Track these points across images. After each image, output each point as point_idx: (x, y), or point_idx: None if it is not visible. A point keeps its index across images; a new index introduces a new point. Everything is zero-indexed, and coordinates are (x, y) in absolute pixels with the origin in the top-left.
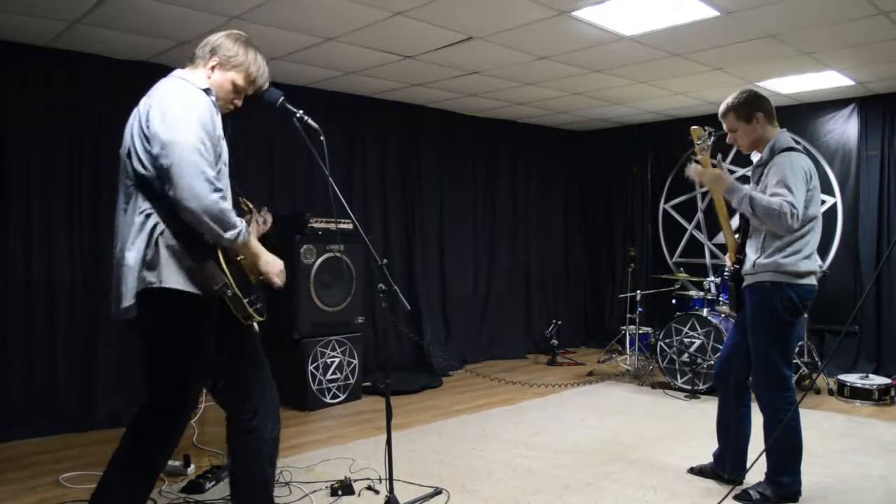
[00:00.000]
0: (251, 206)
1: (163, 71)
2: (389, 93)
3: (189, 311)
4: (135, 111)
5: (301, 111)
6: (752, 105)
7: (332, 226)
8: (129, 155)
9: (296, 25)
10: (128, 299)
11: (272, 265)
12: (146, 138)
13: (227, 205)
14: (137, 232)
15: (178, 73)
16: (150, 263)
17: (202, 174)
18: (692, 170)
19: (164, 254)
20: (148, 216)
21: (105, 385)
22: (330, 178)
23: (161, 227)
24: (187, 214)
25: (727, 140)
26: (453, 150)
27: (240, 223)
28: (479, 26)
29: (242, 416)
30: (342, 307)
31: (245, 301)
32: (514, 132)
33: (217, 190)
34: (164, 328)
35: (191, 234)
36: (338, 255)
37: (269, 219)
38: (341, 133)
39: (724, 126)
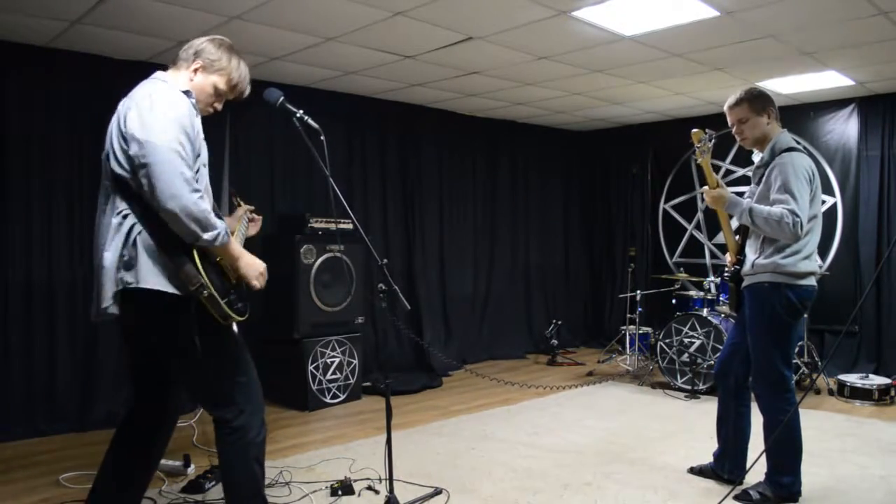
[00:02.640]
0: (242, 204)
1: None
2: (389, 93)
3: (168, 310)
4: (115, 113)
5: (301, 111)
6: (765, 99)
7: (332, 226)
8: (107, 157)
9: (296, 25)
10: (106, 300)
11: (252, 268)
12: (123, 139)
13: (207, 205)
14: (115, 232)
15: (158, 74)
16: (127, 263)
17: (181, 174)
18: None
19: (142, 254)
20: (125, 217)
21: (105, 385)
22: (330, 178)
23: (138, 227)
24: (166, 215)
25: (733, 132)
26: (453, 150)
27: (220, 225)
28: (479, 26)
29: (226, 415)
30: (342, 307)
31: (223, 301)
32: (514, 132)
33: (195, 190)
34: (144, 328)
35: (166, 235)
36: (338, 255)
37: (258, 220)
38: (341, 133)
39: (732, 118)
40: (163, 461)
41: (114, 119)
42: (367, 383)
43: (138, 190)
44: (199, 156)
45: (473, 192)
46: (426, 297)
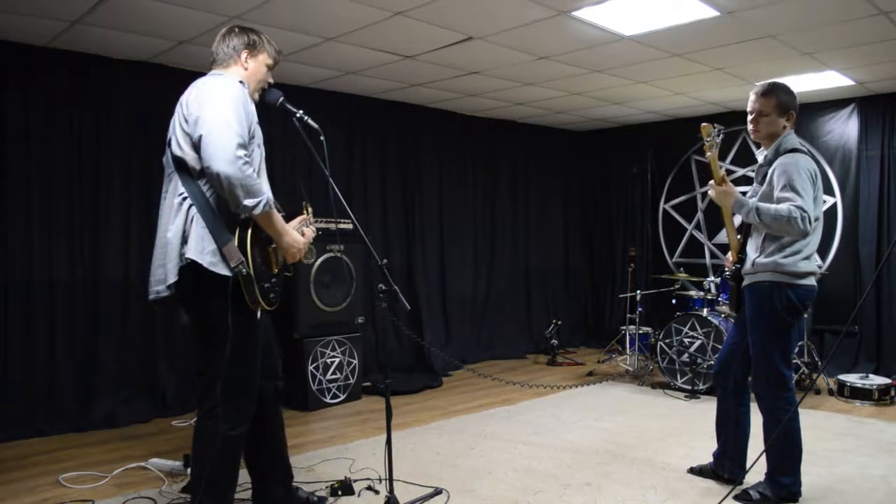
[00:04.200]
0: (308, 212)
1: (163, 71)
2: (389, 93)
3: (208, 285)
4: (178, 105)
5: (301, 111)
6: (792, 103)
7: (332, 226)
8: (168, 143)
9: (296, 25)
10: (172, 275)
11: (292, 245)
12: (185, 120)
13: (252, 173)
14: (176, 212)
15: (214, 71)
16: (185, 238)
17: (229, 141)
18: (710, 188)
19: (193, 230)
20: (185, 198)
21: (105, 385)
22: (330, 179)
23: (195, 208)
24: (214, 180)
25: (748, 121)
26: (453, 150)
27: (263, 194)
28: (479, 26)
29: (205, 401)
30: (342, 307)
31: (258, 285)
32: (514, 132)
33: (243, 158)
34: (190, 300)
35: (216, 213)
36: (338, 255)
37: (312, 227)
38: (341, 133)
39: (754, 106)
40: (163, 461)
41: (176, 111)
42: (367, 383)
43: (196, 171)
44: (252, 137)
45: (473, 192)
46: (426, 297)
